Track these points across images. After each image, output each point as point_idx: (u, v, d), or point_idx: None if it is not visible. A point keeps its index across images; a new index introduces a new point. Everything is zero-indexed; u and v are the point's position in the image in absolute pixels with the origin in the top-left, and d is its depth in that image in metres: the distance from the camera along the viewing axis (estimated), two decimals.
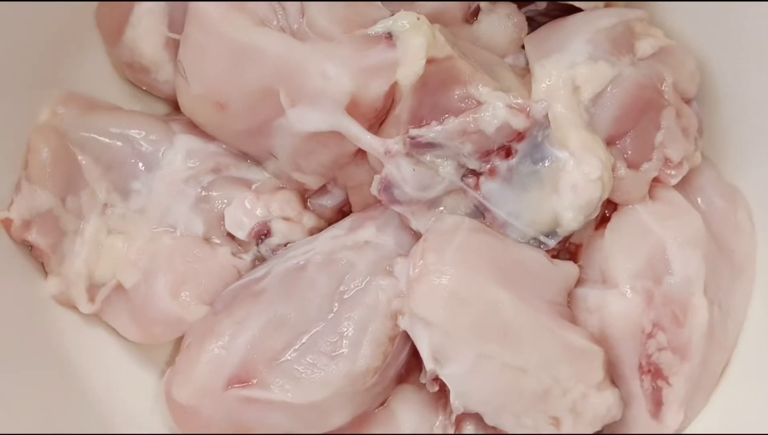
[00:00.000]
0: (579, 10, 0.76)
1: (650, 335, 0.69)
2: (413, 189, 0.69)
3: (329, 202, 0.76)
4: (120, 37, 0.76)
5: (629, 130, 0.72)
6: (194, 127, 0.76)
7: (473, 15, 0.76)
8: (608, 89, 0.71)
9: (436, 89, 0.68)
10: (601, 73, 0.71)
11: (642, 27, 0.76)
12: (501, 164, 0.68)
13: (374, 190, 0.69)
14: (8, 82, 0.72)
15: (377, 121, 0.69)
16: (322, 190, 0.76)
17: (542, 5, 0.77)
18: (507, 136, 0.67)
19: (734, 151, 0.79)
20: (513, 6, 0.76)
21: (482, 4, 0.76)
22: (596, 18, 0.74)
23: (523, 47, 0.76)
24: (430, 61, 0.67)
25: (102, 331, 0.76)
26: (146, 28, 0.75)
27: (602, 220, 0.74)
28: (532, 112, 0.67)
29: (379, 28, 0.68)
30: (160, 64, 0.76)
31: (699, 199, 0.76)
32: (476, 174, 0.69)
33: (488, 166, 0.68)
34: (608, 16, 0.75)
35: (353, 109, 0.67)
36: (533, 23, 0.78)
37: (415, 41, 0.67)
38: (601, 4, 0.76)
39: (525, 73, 0.75)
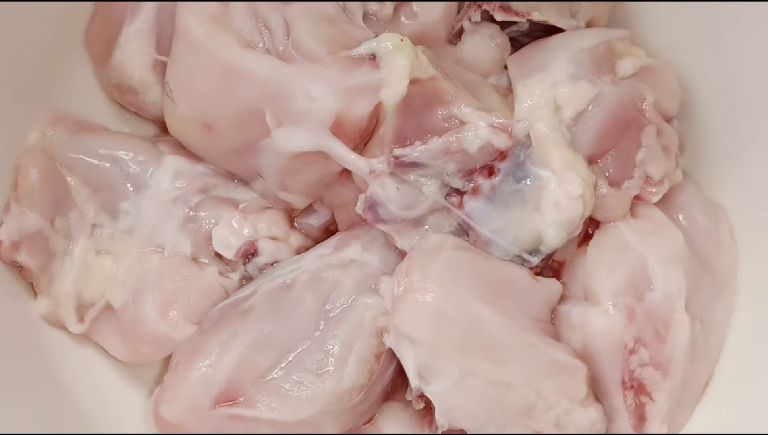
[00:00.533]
0: (561, 30, 0.77)
1: (632, 351, 0.70)
2: (398, 208, 0.70)
3: (316, 221, 0.77)
4: (108, 58, 0.77)
5: (610, 148, 0.73)
6: (182, 148, 0.76)
7: (457, 36, 0.78)
8: (589, 108, 0.72)
9: (419, 109, 0.69)
10: (582, 92, 0.72)
11: (623, 46, 0.77)
12: (484, 183, 0.69)
13: (359, 209, 0.70)
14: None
15: (362, 141, 0.70)
16: (309, 209, 0.76)
17: (525, 26, 0.78)
18: (490, 156, 0.68)
19: (716, 168, 0.80)
20: (496, 27, 0.77)
21: (465, 25, 0.77)
22: (578, 38, 0.75)
23: (506, 67, 0.77)
24: (413, 82, 0.68)
25: (91, 350, 0.76)
26: (134, 50, 0.76)
27: (585, 238, 0.75)
28: (514, 131, 0.68)
29: (363, 49, 0.69)
30: (147, 86, 0.77)
31: (680, 216, 0.77)
32: (460, 193, 0.70)
33: (471, 184, 0.69)
34: (590, 36, 0.76)
35: (338, 129, 0.68)
36: (516, 43, 0.79)
37: (398, 62, 0.68)
38: (582, 24, 0.77)
39: (508, 93, 0.76)
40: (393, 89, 0.68)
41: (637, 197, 0.74)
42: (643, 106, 0.75)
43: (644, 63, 0.77)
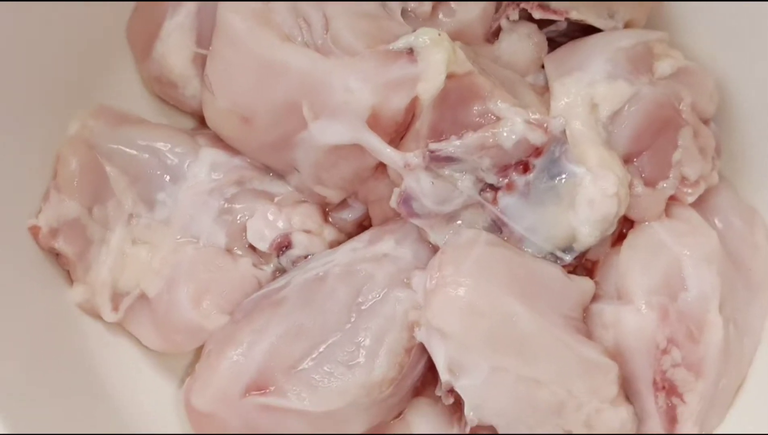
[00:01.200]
0: (598, 30, 0.77)
1: (665, 351, 0.70)
2: (432, 202, 0.70)
3: (350, 215, 0.77)
4: (150, 52, 0.78)
5: (646, 148, 0.73)
6: (219, 141, 0.77)
7: (494, 35, 0.78)
8: (626, 107, 0.72)
9: (455, 104, 0.69)
10: (619, 91, 0.72)
11: (661, 48, 0.77)
12: (518, 179, 0.69)
13: (393, 202, 0.71)
14: (40, 95, 0.74)
15: (397, 135, 0.70)
16: (343, 204, 0.77)
17: (562, 26, 0.78)
18: (525, 152, 0.68)
19: (752, 172, 0.80)
20: (534, 26, 0.78)
21: (503, 24, 0.77)
22: (616, 38, 0.75)
23: (542, 67, 0.78)
24: (450, 77, 0.68)
25: (124, 339, 0.77)
26: (175, 44, 0.77)
27: (619, 237, 0.74)
28: (549, 127, 0.68)
29: (400, 43, 0.69)
30: (187, 79, 0.78)
31: (716, 219, 0.76)
32: (494, 188, 0.70)
33: (506, 180, 0.69)
34: (628, 36, 0.76)
35: (374, 122, 0.69)
36: (553, 43, 0.79)
37: (435, 56, 0.68)
38: (620, 24, 0.77)
39: (544, 91, 0.76)
40: (430, 83, 0.68)
41: (672, 198, 0.74)
42: (680, 107, 0.74)
43: (682, 64, 0.77)
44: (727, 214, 0.77)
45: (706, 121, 0.77)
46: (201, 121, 0.80)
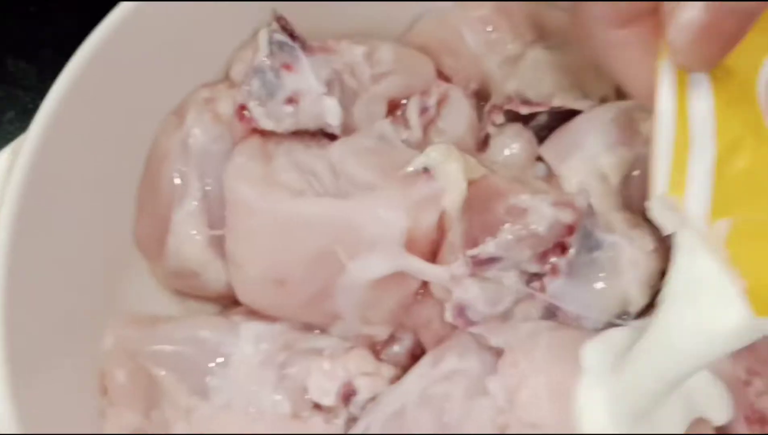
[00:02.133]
0: (578, 113, 0.81)
1: (747, 383, 0.70)
2: (485, 306, 0.71)
3: (400, 349, 0.77)
4: (163, 249, 0.79)
5: None
6: (253, 313, 0.77)
7: (484, 142, 0.81)
8: (633, 171, 0.76)
9: (480, 209, 0.72)
10: (622, 157, 0.76)
11: (638, 113, 0.81)
12: (560, 261, 0.71)
13: (449, 317, 0.71)
14: (70, 315, 0.74)
15: (432, 254, 0.72)
16: (391, 340, 0.77)
17: (543, 119, 0.82)
18: (559, 233, 0.70)
19: None
20: (519, 125, 0.81)
21: (491, 130, 0.80)
22: (600, 113, 0.79)
23: (538, 159, 0.81)
24: (468, 184, 0.71)
25: None
26: (188, 234, 0.78)
27: None
28: (576, 203, 0.70)
29: (415, 165, 0.72)
30: (207, 264, 0.78)
31: None
32: (539, 276, 0.71)
33: (549, 266, 0.71)
34: (608, 110, 0.80)
35: (411, 245, 0.70)
36: (536, 138, 0.83)
37: (451, 167, 0.71)
38: (596, 102, 0.81)
39: (549, 179, 0.79)
40: (453, 193, 0.70)
41: None
42: None
43: None
44: None
45: None
46: (226, 305, 0.80)
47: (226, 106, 0.78)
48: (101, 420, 0.73)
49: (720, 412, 0.68)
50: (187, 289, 0.81)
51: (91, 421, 0.73)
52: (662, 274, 0.72)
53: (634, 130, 0.79)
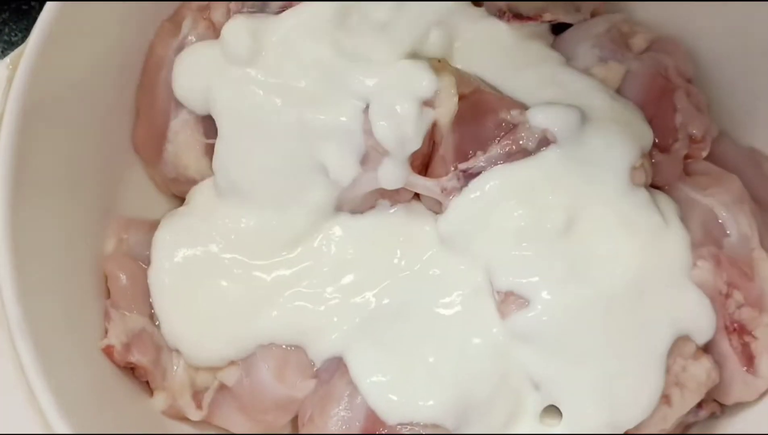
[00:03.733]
0: (569, 26, 0.82)
1: (727, 295, 0.73)
2: None
3: None
4: (160, 154, 0.80)
5: (652, 118, 0.77)
6: None
7: None
8: (624, 85, 0.77)
9: (471, 123, 0.73)
10: (613, 71, 0.77)
11: (627, 27, 0.82)
12: None
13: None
14: (72, 221, 0.75)
15: (423, 166, 0.74)
16: None
17: None
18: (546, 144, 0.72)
19: (737, 118, 0.84)
20: None
21: None
22: (590, 27, 0.80)
23: None
24: (460, 97, 0.72)
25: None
26: (185, 141, 0.79)
27: None
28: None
29: None
30: (205, 172, 0.79)
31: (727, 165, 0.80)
32: None
33: None
34: (599, 23, 0.81)
35: None
36: None
37: (443, 80, 0.72)
38: (588, 16, 0.82)
39: None
40: (445, 106, 0.71)
41: (686, 157, 0.78)
42: (668, 73, 0.79)
43: (652, 36, 0.82)
44: (733, 159, 0.81)
45: (689, 81, 0.82)
46: None
47: (220, 15, 0.79)
48: (106, 322, 0.75)
49: (704, 330, 0.71)
50: (185, 194, 0.82)
51: (97, 323, 0.75)
52: None
53: (624, 43, 0.80)
